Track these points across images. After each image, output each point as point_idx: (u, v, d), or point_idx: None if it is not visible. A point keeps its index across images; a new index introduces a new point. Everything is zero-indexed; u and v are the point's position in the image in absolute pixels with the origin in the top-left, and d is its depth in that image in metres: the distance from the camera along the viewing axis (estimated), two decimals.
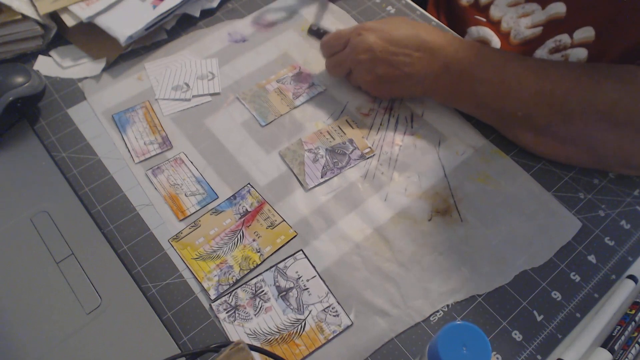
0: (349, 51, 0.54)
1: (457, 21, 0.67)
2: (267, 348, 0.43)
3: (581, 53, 0.54)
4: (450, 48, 0.51)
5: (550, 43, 0.56)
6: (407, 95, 0.57)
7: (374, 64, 0.52)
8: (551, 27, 0.56)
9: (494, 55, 0.51)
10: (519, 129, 0.52)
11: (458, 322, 0.36)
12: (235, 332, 0.44)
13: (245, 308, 0.45)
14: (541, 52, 0.57)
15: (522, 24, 0.58)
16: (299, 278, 0.47)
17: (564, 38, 0.55)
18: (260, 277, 0.47)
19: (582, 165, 0.53)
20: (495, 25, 0.62)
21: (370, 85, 0.55)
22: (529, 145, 0.52)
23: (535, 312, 0.45)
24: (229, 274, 0.47)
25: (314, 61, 0.62)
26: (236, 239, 0.49)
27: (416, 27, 0.52)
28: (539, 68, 0.49)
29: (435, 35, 0.51)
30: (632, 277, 0.46)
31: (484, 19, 0.63)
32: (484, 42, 0.63)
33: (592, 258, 0.48)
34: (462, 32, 0.66)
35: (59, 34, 0.63)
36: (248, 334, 0.44)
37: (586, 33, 0.53)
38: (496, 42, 0.61)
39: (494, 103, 0.51)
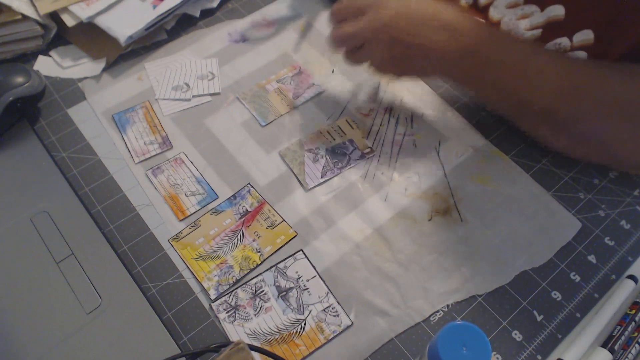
0: (364, 26, 0.49)
1: None
2: (267, 348, 0.43)
3: (581, 56, 0.54)
4: (473, 32, 0.48)
5: (551, 46, 0.56)
6: (420, 75, 0.54)
7: (390, 43, 0.49)
8: (550, 30, 0.56)
9: (517, 44, 0.49)
10: (536, 122, 0.51)
11: (458, 322, 0.36)
12: (235, 332, 0.44)
13: (245, 308, 0.45)
14: None
15: (521, 26, 0.58)
16: (299, 278, 0.47)
17: (564, 41, 0.55)
18: (260, 277, 0.47)
19: (597, 161, 0.52)
20: (494, 26, 0.62)
21: (382, 64, 0.51)
22: (545, 139, 0.52)
23: (535, 312, 0.45)
24: (229, 274, 0.47)
25: (314, 61, 0.62)
26: (236, 239, 0.49)
27: (438, 6, 0.49)
28: (561, 63, 0.48)
29: (457, 17, 0.49)
30: (632, 277, 0.46)
31: (483, 21, 0.63)
32: None
33: (592, 258, 0.48)
34: None
35: (59, 34, 0.63)
36: (248, 334, 0.44)
37: (585, 36, 0.53)
38: None
39: (512, 92, 0.49)
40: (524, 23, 0.58)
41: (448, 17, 0.49)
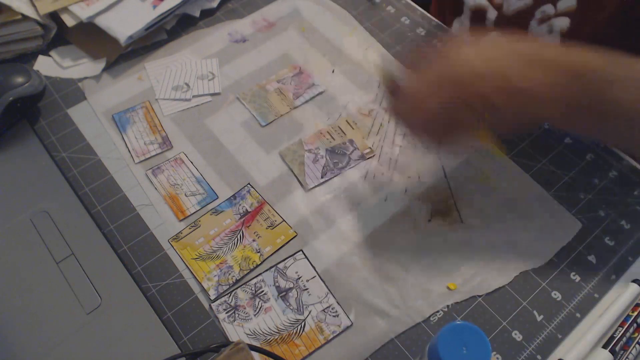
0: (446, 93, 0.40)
1: None
2: (267, 348, 0.43)
3: (563, 22, 0.55)
4: (574, 53, 0.40)
5: (538, 14, 0.57)
6: (535, 123, 0.44)
7: (486, 101, 0.39)
8: None
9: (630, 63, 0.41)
10: None
11: (458, 322, 0.36)
12: (235, 332, 0.44)
13: (245, 308, 0.45)
14: (534, 23, 0.58)
15: None
16: (299, 278, 0.47)
17: (548, 8, 0.56)
18: (260, 278, 0.47)
19: None
20: None
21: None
22: None
23: (535, 312, 0.45)
24: (229, 274, 0.47)
25: (314, 61, 0.62)
26: (236, 239, 0.49)
27: (516, 42, 0.42)
28: None
29: (547, 46, 0.42)
30: (636, 281, 0.46)
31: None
32: (481, 10, 0.63)
33: (592, 258, 0.48)
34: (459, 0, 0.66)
35: (59, 34, 0.63)
36: (248, 334, 0.44)
37: (568, 2, 0.54)
38: (492, 11, 0.62)
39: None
40: None
41: (539, 49, 0.41)
